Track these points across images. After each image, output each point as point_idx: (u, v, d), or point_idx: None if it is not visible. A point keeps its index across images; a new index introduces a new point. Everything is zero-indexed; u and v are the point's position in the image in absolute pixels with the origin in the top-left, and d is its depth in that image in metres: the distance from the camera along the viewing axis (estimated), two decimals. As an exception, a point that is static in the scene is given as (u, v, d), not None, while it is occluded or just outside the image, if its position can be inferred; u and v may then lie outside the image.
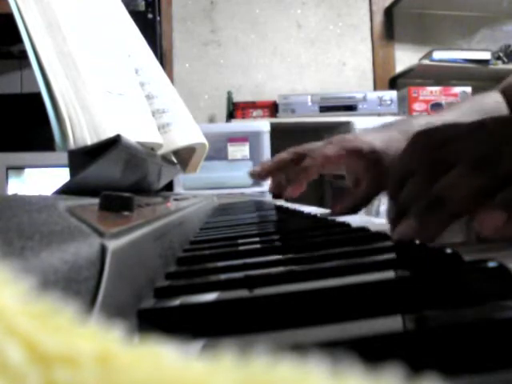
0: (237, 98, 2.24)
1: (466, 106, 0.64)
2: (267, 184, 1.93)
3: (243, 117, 2.13)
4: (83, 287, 0.14)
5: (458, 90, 2.27)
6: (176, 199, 0.56)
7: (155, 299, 0.21)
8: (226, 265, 0.28)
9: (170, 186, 1.83)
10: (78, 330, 0.07)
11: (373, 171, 0.58)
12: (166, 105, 0.61)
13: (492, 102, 0.64)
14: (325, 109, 2.12)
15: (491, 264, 0.18)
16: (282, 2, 2.48)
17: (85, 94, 0.38)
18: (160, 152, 0.57)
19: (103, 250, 0.16)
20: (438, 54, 2.28)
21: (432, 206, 0.28)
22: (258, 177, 0.70)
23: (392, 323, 0.16)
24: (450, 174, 0.28)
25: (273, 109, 2.14)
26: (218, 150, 1.93)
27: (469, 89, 2.28)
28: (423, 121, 0.61)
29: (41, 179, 1.64)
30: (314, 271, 0.22)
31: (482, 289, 0.18)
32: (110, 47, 0.49)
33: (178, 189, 1.87)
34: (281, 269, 0.25)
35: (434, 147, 0.30)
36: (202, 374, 0.07)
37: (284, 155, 0.67)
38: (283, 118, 2.11)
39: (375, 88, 2.50)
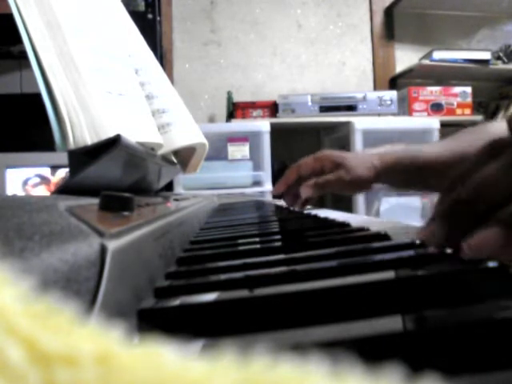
0: (237, 98, 2.24)
1: (473, 136, 0.64)
2: (267, 184, 1.93)
3: (243, 117, 2.13)
4: (83, 287, 0.14)
5: (458, 89, 2.27)
6: (176, 199, 0.56)
7: (155, 299, 0.21)
8: (226, 265, 0.28)
9: (170, 186, 1.82)
10: (78, 330, 0.07)
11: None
12: (166, 105, 0.61)
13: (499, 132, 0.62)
14: (325, 109, 2.12)
15: (491, 264, 0.18)
16: (281, 2, 2.48)
17: (85, 94, 0.38)
18: (160, 152, 0.57)
19: (103, 250, 0.16)
20: (438, 54, 2.28)
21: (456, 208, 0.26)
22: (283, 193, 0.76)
23: (392, 323, 0.16)
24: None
25: (273, 109, 2.14)
26: (217, 150, 1.93)
27: (469, 89, 2.28)
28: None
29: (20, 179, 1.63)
30: (314, 271, 0.22)
31: (482, 289, 0.18)
32: (110, 47, 0.49)
33: (178, 189, 1.86)
34: (281, 269, 0.25)
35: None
36: (202, 374, 0.07)
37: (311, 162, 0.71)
38: (283, 118, 2.11)
39: (375, 88, 2.50)
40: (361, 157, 0.69)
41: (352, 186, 0.68)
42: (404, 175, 0.67)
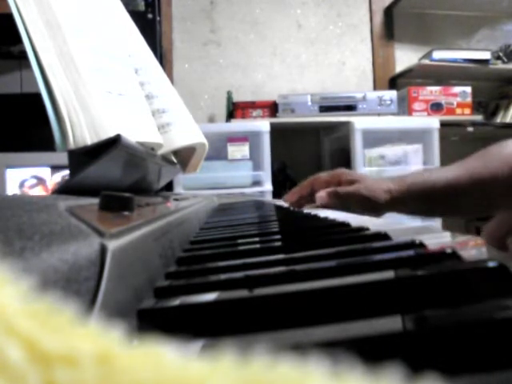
0: (236, 98, 2.24)
1: (486, 158, 0.62)
2: (267, 184, 1.93)
3: (243, 117, 2.13)
4: (83, 287, 0.14)
5: (457, 89, 2.27)
6: (176, 199, 0.56)
7: (155, 299, 0.21)
8: (226, 265, 0.28)
9: (169, 186, 1.82)
10: (78, 330, 0.07)
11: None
12: (166, 105, 0.61)
13: None
14: (324, 109, 2.12)
15: (491, 264, 0.18)
16: (281, 2, 2.48)
17: (85, 94, 0.38)
18: (160, 152, 0.57)
19: (103, 250, 0.16)
20: (438, 54, 2.28)
21: None
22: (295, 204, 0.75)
23: (392, 323, 0.16)
24: None
25: (273, 109, 2.14)
26: (217, 150, 1.93)
27: (468, 88, 2.28)
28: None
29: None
30: (314, 271, 0.22)
31: (482, 289, 0.18)
32: (110, 47, 0.49)
33: (178, 189, 1.86)
34: (281, 269, 0.25)
35: None
36: (202, 374, 0.07)
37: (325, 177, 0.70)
38: (283, 118, 2.11)
39: (375, 88, 2.50)
40: (376, 180, 0.68)
41: (367, 205, 0.66)
42: (417, 202, 0.65)
